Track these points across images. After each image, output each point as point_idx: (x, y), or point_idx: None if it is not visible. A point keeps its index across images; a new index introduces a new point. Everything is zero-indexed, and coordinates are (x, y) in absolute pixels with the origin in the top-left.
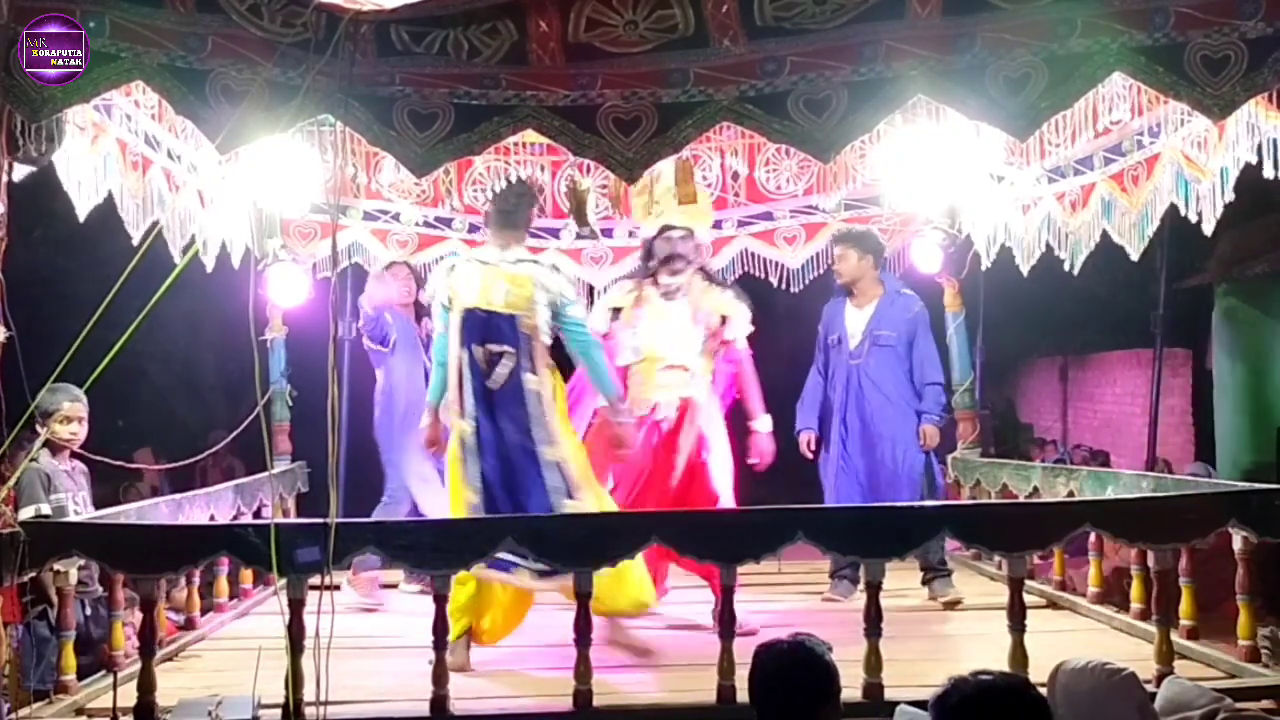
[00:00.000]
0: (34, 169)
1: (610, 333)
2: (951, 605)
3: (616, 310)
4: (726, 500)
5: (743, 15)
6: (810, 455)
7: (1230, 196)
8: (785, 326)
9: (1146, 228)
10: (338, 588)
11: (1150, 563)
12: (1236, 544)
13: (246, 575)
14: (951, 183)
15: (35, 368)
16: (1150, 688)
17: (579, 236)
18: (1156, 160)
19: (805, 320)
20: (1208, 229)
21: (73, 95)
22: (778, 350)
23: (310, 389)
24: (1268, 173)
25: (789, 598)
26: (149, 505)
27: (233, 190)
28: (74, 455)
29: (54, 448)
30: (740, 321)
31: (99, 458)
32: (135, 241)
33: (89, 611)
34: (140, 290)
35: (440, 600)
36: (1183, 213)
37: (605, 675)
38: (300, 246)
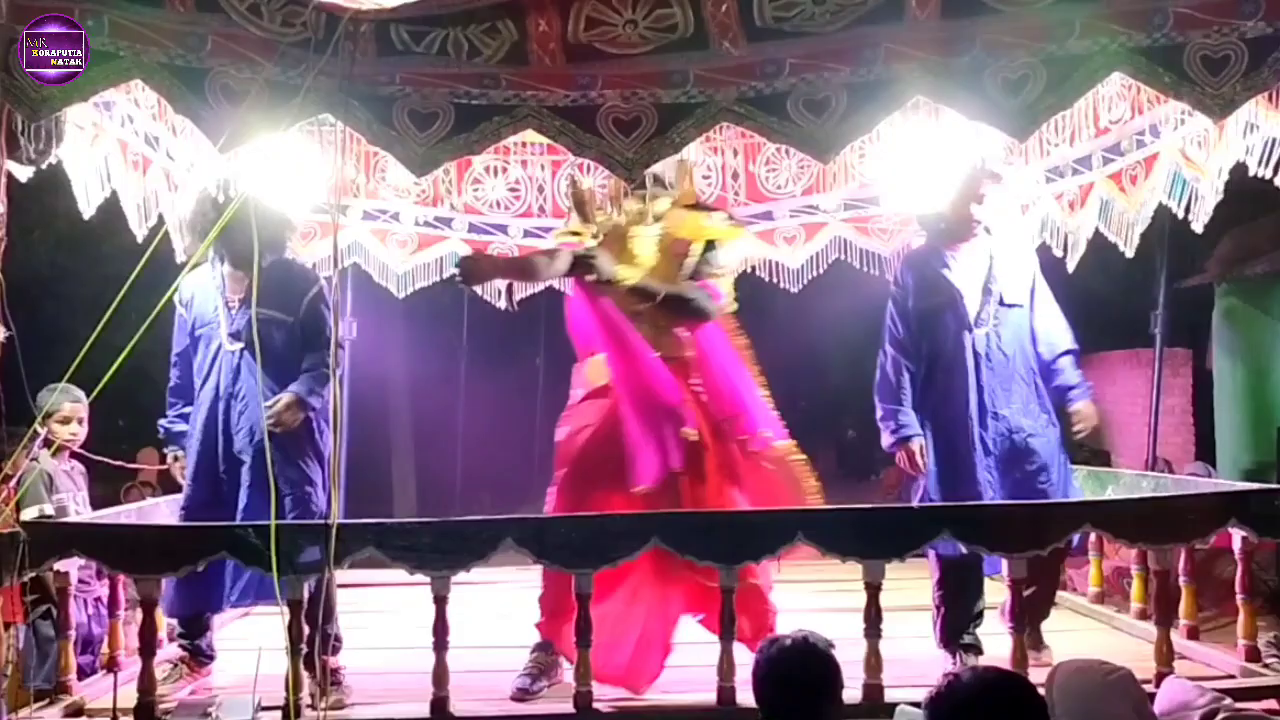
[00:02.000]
0: (38, 168)
1: None
2: None
3: None
4: None
5: (742, 17)
6: (916, 471)
7: (1218, 197)
8: (785, 326)
9: (1139, 226)
10: None
11: (1150, 563)
12: (1236, 544)
13: None
14: (951, 183)
15: (35, 368)
16: (1150, 688)
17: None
18: (1155, 160)
19: (804, 321)
20: (1198, 228)
21: (72, 95)
22: (777, 351)
23: None
24: (1253, 171)
25: (787, 597)
26: (149, 505)
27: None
28: (73, 455)
29: (55, 448)
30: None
31: (99, 458)
32: (140, 240)
33: (91, 611)
34: (140, 289)
35: (440, 601)
36: (1175, 213)
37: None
38: (300, 246)
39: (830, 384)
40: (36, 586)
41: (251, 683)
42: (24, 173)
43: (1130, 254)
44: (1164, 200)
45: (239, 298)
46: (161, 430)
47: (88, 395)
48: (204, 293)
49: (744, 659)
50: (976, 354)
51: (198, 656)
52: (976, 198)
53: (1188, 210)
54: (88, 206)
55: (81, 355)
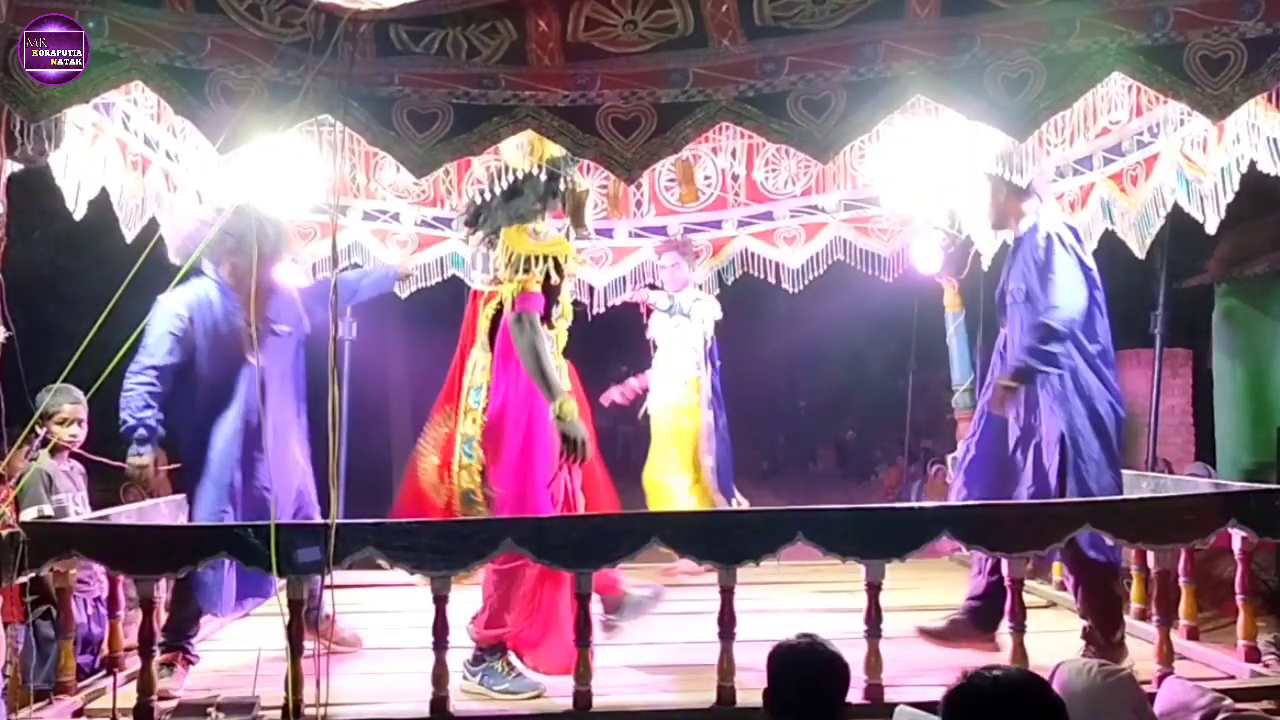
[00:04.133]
0: (26, 166)
1: None
2: None
3: None
4: None
5: (742, 15)
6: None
7: (1230, 196)
8: (785, 327)
9: (1146, 227)
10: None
11: (1150, 563)
12: (1236, 544)
13: None
14: (951, 183)
15: (35, 368)
16: (1150, 688)
17: (577, 238)
18: (1155, 160)
19: (805, 321)
20: (1210, 228)
21: (71, 95)
22: (777, 351)
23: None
24: (1265, 167)
25: (787, 597)
26: (149, 505)
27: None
28: (73, 455)
29: (53, 448)
30: None
31: (99, 458)
32: (129, 240)
33: (91, 611)
34: (139, 289)
35: (441, 601)
36: (1187, 212)
37: (605, 676)
38: (300, 247)
39: (830, 384)
40: (36, 586)
41: (251, 682)
42: (13, 168)
43: (1142, 255)
44: (1177, 200)
45: (249, 313)
46: (150, 428)
47: (85, 395)
48: (209, 311)
49: (744, 660)
50: (998, 355)
51: (188, 655)
52: (1016, 212)
53: (1201, 211)
54: (83, 205)
55: (79, 354)
